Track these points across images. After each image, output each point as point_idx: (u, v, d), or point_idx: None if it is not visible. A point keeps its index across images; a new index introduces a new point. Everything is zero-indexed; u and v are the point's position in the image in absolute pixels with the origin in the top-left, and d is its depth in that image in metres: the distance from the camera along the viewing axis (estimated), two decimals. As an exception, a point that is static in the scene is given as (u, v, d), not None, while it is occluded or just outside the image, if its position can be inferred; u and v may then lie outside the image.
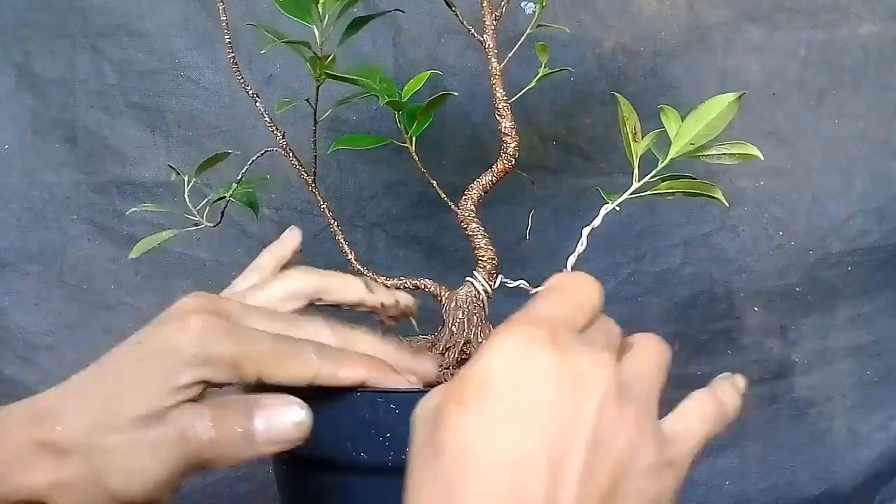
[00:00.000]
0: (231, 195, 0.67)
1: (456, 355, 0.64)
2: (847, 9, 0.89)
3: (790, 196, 0.91)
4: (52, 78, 0.90)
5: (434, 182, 0.67)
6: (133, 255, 0.68)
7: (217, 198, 0.67)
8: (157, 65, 0.89)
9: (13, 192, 0.91)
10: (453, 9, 0.66)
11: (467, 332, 0.65)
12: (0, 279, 0.91)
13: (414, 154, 0.67)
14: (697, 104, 0.89)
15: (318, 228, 0.90)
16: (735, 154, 0.60)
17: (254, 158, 0.66)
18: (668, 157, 0.60)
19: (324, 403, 0.54)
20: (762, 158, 0.60)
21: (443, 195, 0.67)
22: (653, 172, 0.62)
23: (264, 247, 0.92)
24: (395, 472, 0.54)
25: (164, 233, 0.68)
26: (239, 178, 0.67)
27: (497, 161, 0.66)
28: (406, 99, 0.65)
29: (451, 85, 0.87)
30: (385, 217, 0.91)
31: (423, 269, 0.87)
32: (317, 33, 0.58)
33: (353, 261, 0.68)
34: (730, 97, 0.58)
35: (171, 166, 0.68)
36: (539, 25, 0.68)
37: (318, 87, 0.62)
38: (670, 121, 0.60)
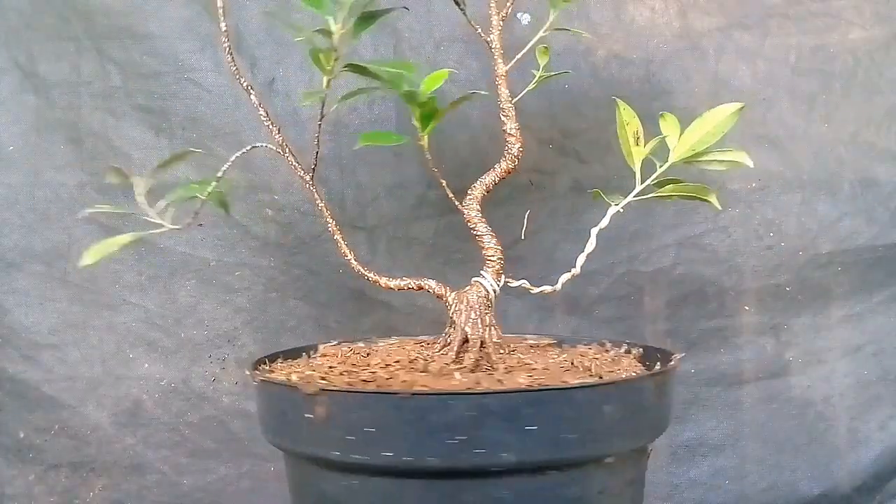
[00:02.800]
0: (208, 194, 0.62)
1: (475, 357, 0.64)
2: (838, 14, 0.91)
3: (780, 198, 0.93)
4: (56, 80, 0.91)
5: (444, 182, 0.68)
6: (88, 260, 0.61)
7: (178, 197, 0.63)
8: (160, 67, 0.90)
9: (18, 192, 0.92)
10: (461, 7, 0.67)
11: (482, 333, 0.65)
12: (4, 278, 0.92)
13: (427, 152, 0.66)
14: (690, 109, 0.91)
15: (321, 229, 0.91)
16: (725, 161, 0.62)
17: (237, 154, 0.63)
18: (670, 161, 0.62)
19: (339, 406, 0.54)
20: (751, 165, 0.62)
21: (450, 194, 0.68)
22: (654, 176, 0.64)
23: (267, 246, 0.94)
24: (405, 473, 0.55)
25: (119, 237, 0.61)
26: (220, 175, 0.64)
27: (501, 161, 0.68)
28: (427, 94, 0.61)
29: (449, 92, 0.88)
30: (385, 219, 0.92)
31: (423, 270, 0.88)
32: (333, 24, 0.56)
33: (354, 261, 0.68)
34: (732, 108, 0.60)
35: (114, 168, 0.61)
36: (557, 29, 0.69)
37: (329, 80, 0.59)
38: (669, 127, 0.62)
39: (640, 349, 0.71)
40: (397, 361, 0.64)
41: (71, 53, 0.91)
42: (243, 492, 0.94)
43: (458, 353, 0.64)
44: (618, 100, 0.63)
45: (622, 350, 0.72)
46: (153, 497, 0.93)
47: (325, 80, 0.59)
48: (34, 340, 0.92)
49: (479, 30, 0.67)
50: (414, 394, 0.53)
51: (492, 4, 0.66)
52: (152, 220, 0.61)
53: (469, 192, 0.68)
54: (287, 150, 0.64)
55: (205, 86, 0.90)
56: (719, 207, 0.65)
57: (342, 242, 0.66)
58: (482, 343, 0.64)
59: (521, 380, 0.59)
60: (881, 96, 0.92)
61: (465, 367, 0.62)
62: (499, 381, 0.59)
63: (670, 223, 0.93)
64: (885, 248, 0.93)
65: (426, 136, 0.62)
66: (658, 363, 0.67)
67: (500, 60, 0.66)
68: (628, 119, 0.62)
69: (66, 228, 0.92)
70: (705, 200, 0.64)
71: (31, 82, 0.91)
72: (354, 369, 0.64)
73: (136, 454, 0.93)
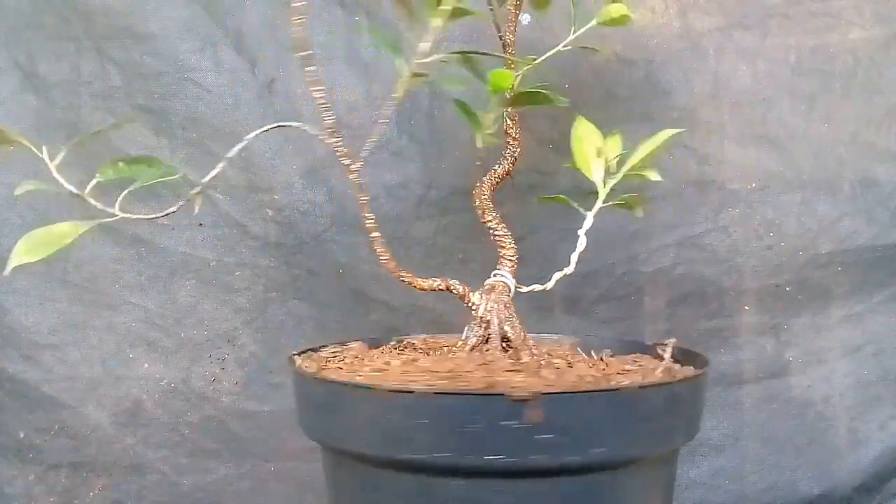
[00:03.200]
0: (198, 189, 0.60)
1: (528, 355, 0.63)
2: (838, 14, 0.91)
3: (780, 198, 0.93)
4: (56, 80, 0.91)
5: (479, 182, 0.68)
6: (24, 259, 0.56)
7: (107, 178, 0.60)
8: (160, 67, 0.90)
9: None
10: (491, 8, 0.67)
11: (520, 330, 0.65)
12: (4, 278, 0.92)
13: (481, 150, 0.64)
14: (690, 109, 0.92)
15: (321, 229, 0.92)
16: (640, 175, 0.67)
17: (248, 137, 0.62)
18: (622, 173, 0.66)
19: (554, 410, 0.54)
20: (660, 180, 0.66)
21: (475, 192, 0.68)
22: (609, 185, 0.68)
23: (267, 246, 0.94)
24: (603, 467, 0.56)
25: (58, 226, 0.58)
26: (229, 154, 0.62)
27: (502, 162, 0.69)
28: (516, 89, 0.61)
29: (450, 92, 0.89)
30: (386, 219, 0.92)
31: (423, 270, 0.88)
32: None
33: (391, 262, 0.65)
34: (671, 132, 0.66)
35: None
36: (583, 47, 0.70)
37: (411, 63, 0.57)
38: (614, 145, 0.67)
39: (579, 339, 0.75)
40: (476, 365, 0.62)
41: (71, 53, 0.91)
42: (243, 492, 0.94)
43: (504, 349, 0.64)
44: (579, 116, 0.66)
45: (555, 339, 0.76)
46: (153, 497, 0.94)
47: (402, 63, 0.58)
48: (34, 340, 0.92)
49: (500, 32, 0.67)
50: (641, 386, 0.56)
51: (510, 7, 0.66)
52: (99, 206, 0.59)
53: (480, 193, 0.68)
54: (338, 132, 0.62)
55: (205, 86, 0.91)
56: (640, 215, 0.72)
57: (379, 241, 0.64)
58: (523, 341, 0.65)
59: (586, 372, 0.61)
60: (881, 96, 0.92)
61: (530, 364, 0.62)
62: (579, 375, 0.60)
63: (670, 223, 0.93)
64: (885, 248, 0.93)
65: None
66: (607, 350, 0.72)
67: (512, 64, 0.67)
68: (586, 133, 0.65)
69: (66, 228, 0.92)
70: (632, 210, 0.70)
71: (31, 82, 0.91)
72: (449, 376, 0.60)
73: (136, 454, 0.93)
